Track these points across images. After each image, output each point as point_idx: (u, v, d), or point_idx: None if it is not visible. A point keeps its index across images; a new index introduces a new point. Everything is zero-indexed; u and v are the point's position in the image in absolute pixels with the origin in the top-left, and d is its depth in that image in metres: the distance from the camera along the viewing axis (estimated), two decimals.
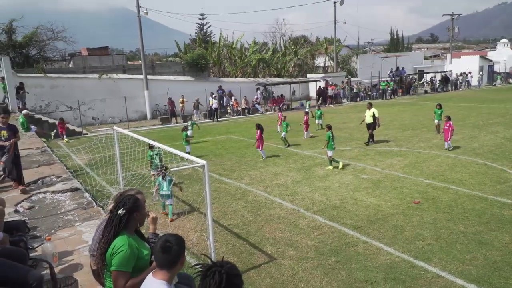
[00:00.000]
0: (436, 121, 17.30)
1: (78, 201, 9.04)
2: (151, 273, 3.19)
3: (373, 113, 15.89)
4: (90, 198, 9.40)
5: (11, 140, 9.07)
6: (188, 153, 14.59)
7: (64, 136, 20.92)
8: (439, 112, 17.01)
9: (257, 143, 14.46)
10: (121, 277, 3.51)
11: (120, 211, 3.71)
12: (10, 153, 8.98)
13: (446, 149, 14.16)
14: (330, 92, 34.27)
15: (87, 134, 23.28)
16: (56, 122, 23.68)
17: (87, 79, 28.52)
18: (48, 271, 4.25)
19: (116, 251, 3.56)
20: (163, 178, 8.88)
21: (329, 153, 12.60)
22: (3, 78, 22.62)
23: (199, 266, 2.41)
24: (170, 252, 3.06)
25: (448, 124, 14.20)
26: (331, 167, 12.46)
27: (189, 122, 18.12)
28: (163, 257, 3.07)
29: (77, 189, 10.13)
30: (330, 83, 35.44)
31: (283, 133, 16.89)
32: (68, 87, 27.21)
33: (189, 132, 16.19)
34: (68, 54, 37.57)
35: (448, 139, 14.16)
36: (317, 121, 20.75)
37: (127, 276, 3.53)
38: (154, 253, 3.15)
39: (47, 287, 4.03)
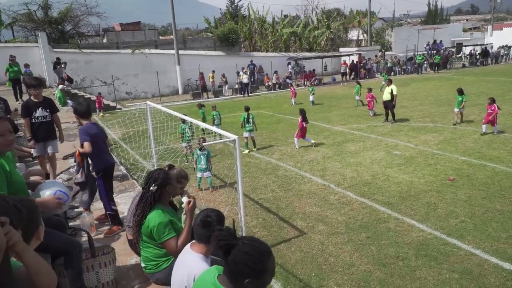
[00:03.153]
0: (456, 109, 14.57)
1: (114, 173, 9.33)
2: (189, 244, 3.29)
3: (391, 90, 15.17)
4: (125, 171, 9.70)
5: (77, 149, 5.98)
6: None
7: (101, 111, 21.57)
8: (459, 99, 14.31)
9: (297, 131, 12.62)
10: (169, 243, 3.75)
11: (152, 187, 3.85)
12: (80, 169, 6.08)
13: (490, 133, 12.53)
14: (343, 69, 32.73)
15: (121, 108, 23.80)
16: (91, 96, 24.35)
17: (120, 54, 28.94)
18: (86, 240, 4.44)
19: (153, 226, 3.73)
20: (200, 150, 8.97)
21: (245, 134, 12.20)
22: (12, 58, 18.71)
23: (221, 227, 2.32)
24: (210, 227, 3.11)
25: (492, 107, 12.43)
26: (248, 151, 12.12)
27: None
28: (202, 231, 3.14)
29: None
30: (343, 60, 34.30)
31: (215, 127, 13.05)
32: (102, 62, 27.72)
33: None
34: (102, 30, 38.13)
35: (495, 123, 12.48)
36: (357, 97, 19.87)
37: (174, 239, 3.76)
38: (193, 226, 3.24)
39: (86, 255, 4.22)
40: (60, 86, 19.25)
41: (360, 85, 20.22)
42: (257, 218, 7.45)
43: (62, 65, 23.66)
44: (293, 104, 21.53)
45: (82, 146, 5.77)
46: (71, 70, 25.65)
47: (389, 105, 15.28)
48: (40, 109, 7.46)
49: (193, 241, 3.26)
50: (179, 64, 29.90)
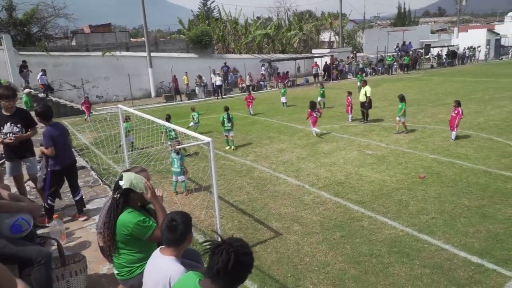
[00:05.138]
0: (397, 118, 13.56)
1: (84, 179, 9.14)
2: (158, 249, 3.27)
3: (366, 91, 15.46)
4: (96, 176, 9.50)
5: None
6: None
7: (89, 117, 20.21)
8: (399, 106, 13.43)
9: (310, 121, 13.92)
10: (156, 234, 3.73)
11: (115, 195, 3.82)
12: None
13: (452, 139, 12.06)
14: (314, 71, 32.99)
15: (91, 112, 23.31)
16: (60, 100, 23.75)
17: (90, 57, 28.36)
18: (56, 248, 4.33)
19: (132, 228, 3.71)
20: (177, 153, 8.86)
21: (225, 133, 12.74)
22: None
23: (208, 243, 2.39)
24: (176, 231, 3.12)
25: (456, 111, 12.07)
26: (229, 147, 12.71)
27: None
28: (169, 236, 3.13)
29: (83, 167, 10.23)
30: (314, 62, 34.80)
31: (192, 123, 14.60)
32: (71, 65, 27.12)
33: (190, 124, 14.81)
34: (70, 32, 37.26)
35: (455, 128, 12.08)
36: (319, 99, 19.70)
37: (157, 228, 3.77)
38: (160, 231, 3.22)
39: (56, 264, 4.11)
40: (26, 90, 18.68)
41: (323, 87, 20.27)
42: (233, 221, 7.43)
43: (41, 72, 23.13)
44: (251, 113, 19.23)
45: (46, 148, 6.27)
46: (38, 73, 24.94)
47: (365, 106, 15.55)
48: (9, 124, 6.31)
49: (162, 246, 3.24)
50: (151, 67, 29.55)
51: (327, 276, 5.46)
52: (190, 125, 14.75)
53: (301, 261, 5.88)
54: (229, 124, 12.52)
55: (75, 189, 6.79)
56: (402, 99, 13.51)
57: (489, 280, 5.17)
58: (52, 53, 27.04)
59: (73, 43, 33.89)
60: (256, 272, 5.59)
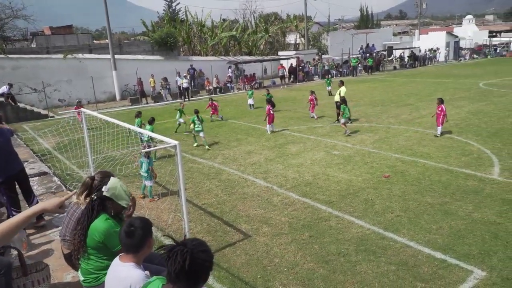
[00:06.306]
0: (342, 120, 14.04)
1: (47, 185, 8.84)
2: (118, 257, 3.18)
3: (340, 91, 15.90)
4: (59, 182, 9.21)
5: None
6: None
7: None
8: (341, 110, 14.12)
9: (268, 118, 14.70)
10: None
11: (93, 196, 3.71)
12: None
13: (437, 135, 12.72)
14: (280, 72, 33.49)
15: (53, 116, 22.60)
16: (20, 104, 22.88)
17: (51, 59, 27.43)
18: (17, 257, 4.16)
19: (105, 236, 3.60)
20: (147, 157, 8.66)
21: (200, 134, 13.06)
22: None
23: (163, 248, 2.29)
24: (134, 237, 3.05)
25: (440, 108, 12.73)
26: (196, 145, 13.25)
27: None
28: (128, 242, 3.05)
29: (45, 173, 9.90)
30: (280, 64, 35.25)
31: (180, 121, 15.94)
32: (31, 68, 26.14)
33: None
34: (30, 34, 35.93)
35: (441, 124, 12.70)
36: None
37: None
38: (119, 237, 3.13)
39: (17, 274, 3.95)
40: None
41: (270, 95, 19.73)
42: (201, 224, 7.37)
43: (7, 86, 22.26)
44: (212, 119, 18.26)
45: None
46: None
47: (339, 106, 15.83)
48: None
49: (122, 253, 3.16)
50: (115, 69, 28.91)
51: (296, 276, 5.50)
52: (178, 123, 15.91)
53: (270, 262, 5.90)
54: (199, 125, 12.90)
55: (28, 197, 6.56)
56: (343, 101, 14.23)
57: (452, 275, 5.35)
58: (10, 56, 26.00)
59: (33, 45, 32.69)
60: (226, 275, 5.57)
